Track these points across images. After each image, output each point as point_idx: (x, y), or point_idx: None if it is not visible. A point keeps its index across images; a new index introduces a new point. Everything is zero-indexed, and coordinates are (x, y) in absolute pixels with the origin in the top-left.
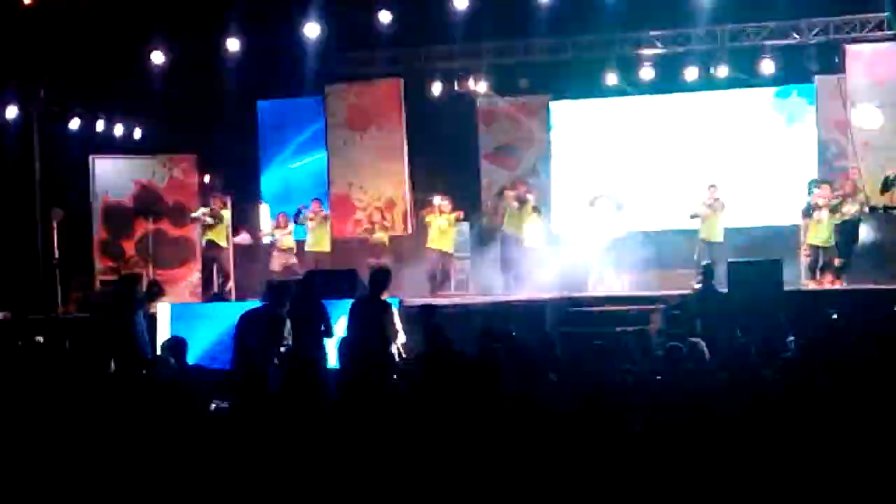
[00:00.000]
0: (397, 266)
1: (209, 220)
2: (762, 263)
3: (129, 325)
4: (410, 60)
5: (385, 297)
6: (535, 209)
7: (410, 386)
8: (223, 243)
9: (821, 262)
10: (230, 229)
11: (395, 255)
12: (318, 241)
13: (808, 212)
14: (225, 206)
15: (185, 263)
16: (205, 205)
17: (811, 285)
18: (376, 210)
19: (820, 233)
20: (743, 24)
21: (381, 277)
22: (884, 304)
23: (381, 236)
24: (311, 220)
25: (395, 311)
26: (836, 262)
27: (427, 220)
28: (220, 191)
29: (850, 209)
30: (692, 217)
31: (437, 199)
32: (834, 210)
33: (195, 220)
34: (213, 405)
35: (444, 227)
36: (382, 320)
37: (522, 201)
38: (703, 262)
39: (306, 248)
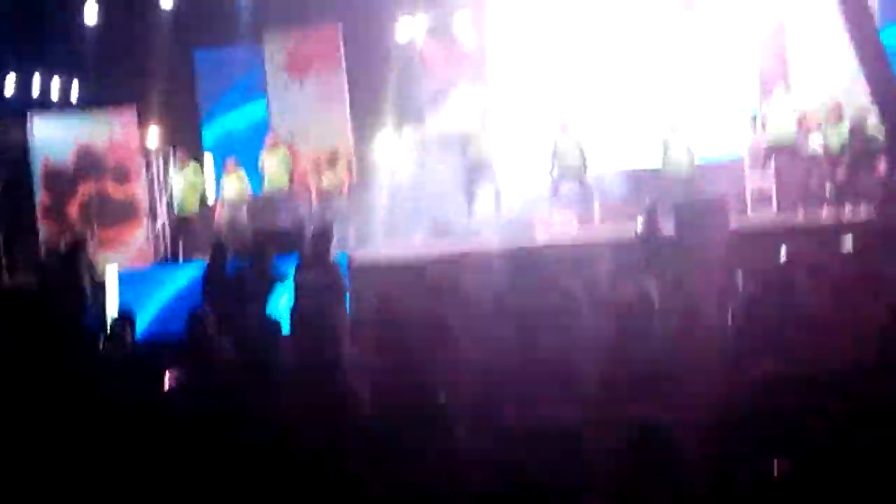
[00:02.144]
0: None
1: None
2: (709, 202)
3: (77, 294)
4: (348, 5)
5: (331, 256)
6: None
7: (362, 356)
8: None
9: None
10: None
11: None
12: (277, 177)
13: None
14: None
15: (130, 223)
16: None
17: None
18: (325, 161)
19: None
20: None
21: (322, 241)
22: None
23: (328, 184)
24: (269, 151)
25: (341, 274)
26: None
27: None
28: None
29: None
30: (663, 146)
31: None
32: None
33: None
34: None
35: None
36: (327, 288)
37: None
38: (646, 204)
39: (265, 189)
